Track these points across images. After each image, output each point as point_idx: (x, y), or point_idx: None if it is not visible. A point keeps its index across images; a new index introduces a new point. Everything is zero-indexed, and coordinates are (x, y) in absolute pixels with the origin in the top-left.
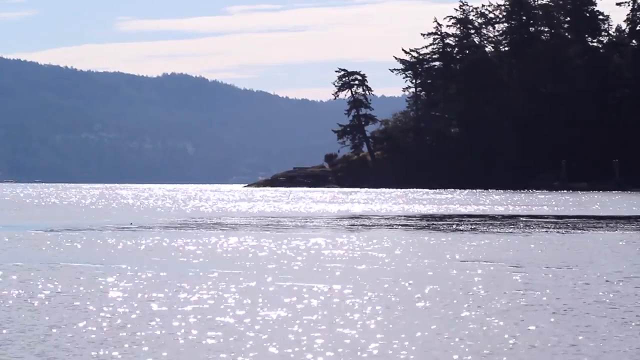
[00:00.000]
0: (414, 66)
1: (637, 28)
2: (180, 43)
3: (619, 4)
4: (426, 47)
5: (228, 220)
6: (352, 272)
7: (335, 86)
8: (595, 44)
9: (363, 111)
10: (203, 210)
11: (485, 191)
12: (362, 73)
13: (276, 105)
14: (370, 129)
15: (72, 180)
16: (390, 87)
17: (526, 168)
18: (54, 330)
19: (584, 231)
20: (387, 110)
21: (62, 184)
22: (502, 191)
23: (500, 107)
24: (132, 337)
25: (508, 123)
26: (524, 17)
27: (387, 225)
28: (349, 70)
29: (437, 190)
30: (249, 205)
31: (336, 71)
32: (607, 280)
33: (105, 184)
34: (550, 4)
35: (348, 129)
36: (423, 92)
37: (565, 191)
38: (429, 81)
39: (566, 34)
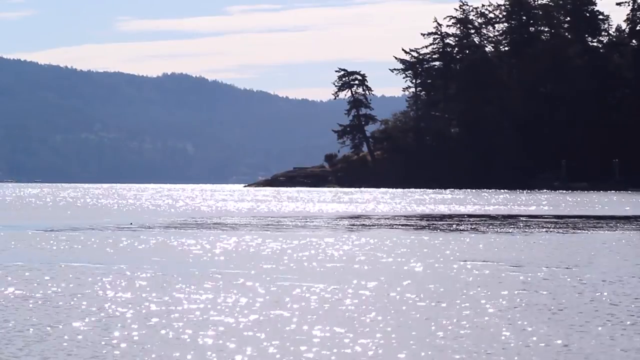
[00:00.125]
0: (414, 66)
1: (637, 28)
2: (180, 43)
3: (619, 4)
4: (426, 47)
5: (228, 220)
6: (352, 272)
7: (335, 86)
8: (595, 44)
9: (363, 111)
10: (203, 210)
11: (485, 191)
12: (362, 73)
13: (276, 105)
14: (370, 129)
15: (72, 180)
16: (390, 87)
17: (526, 168)
18: (53, 330)
19: (584, 231)
20: (387, 110)
21: (62, 184)
22: (502, 191)
23: (500, 107)
24: (132, 337)
25: (508, 123)
26: (524, 17)
27: (387, 225)
28: (349, 70)
29: (437, 190)
30: (249, 205)
31: (336, 71)
32: (606, 281)
33: (104, 184)
34: (550, 4)
35: (348, 129)
36: (423, 92)
37: (565, 191)
38: (429, 81)
39: (566, 34)
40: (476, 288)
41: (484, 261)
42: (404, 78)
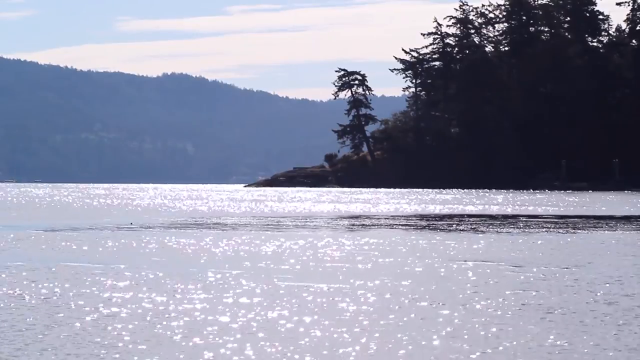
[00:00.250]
0: (414, 66)
1: (637, 28)
2: (180, 43)
3: (619, 4)
4: (426, 47)
5: (228, 220)
6: (352, 272)
7: (335, 86)
8: (595, 44)
9: (363, 111)
10: (203, 210)
11: (485, 191)
12: (362, 73)
13: (276, 105)
14: (370, 129)
15: (72, 180)
16: (390, 87)
17: (526, 168)
18: (53, 330)
19: (584, 231)
20: (387, 110)
21: (63, 184)
22: (502, 191)
23: (500, 107)
24: (131, 337)
25: (508, 123)
26: (524, 17)
27: (387, 225)
28: (349, 70)
29: (437, 190)
30: (249, 205)
31: (336, 71)
32: (606, 281)
33: (104, 184)
34: (550, 4)
35: (348, 129)
36: (423, 92)
37: (565, 191)
38: (429, 81)
39: (566, 34)
40: (476, 288)
41: (483, 261)
42: (404, 78)
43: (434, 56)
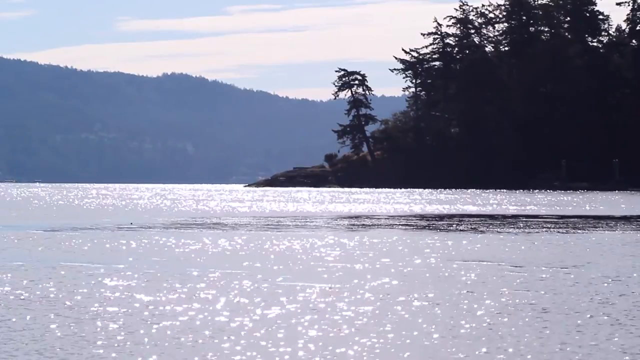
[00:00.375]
0: (414, 66)
1: (637, 28)
2: (180, 43)
3: (619, 4)
4: (426, 47)
5: (228, 220)
6: (351, 272)
7: (335, 86)
8: (595, 44)
9: (363, 111)
10: (203, 210)
11: (485, 191)
12: (362, 73)
13: (276, 105)
14: (370, 129)
15: (72, 180)
16: (390, 87)
17: (526, 168)
18: (52, 330)
19: (584, 231)
20: (387, 110)
21: (63, 184)
22: (502, 191)
23: (500, 107)
24: (131, 337)
25: (508, 123)
26: (524, 17)
27: (387, 225)
28: (349, 70)
29: (437, 190)
30: (249, 205)
31: (336, 71)
32: (605, 281)
33: (104, 184)
34: (550, 4)
35: (348, 129)
36: (423, 92)
37: (565, 191)
38: (429, 81)
39: (566, 34)
40: (475, 288)
41: (483, 261)
42: (404, 78)
43: (434, 56)
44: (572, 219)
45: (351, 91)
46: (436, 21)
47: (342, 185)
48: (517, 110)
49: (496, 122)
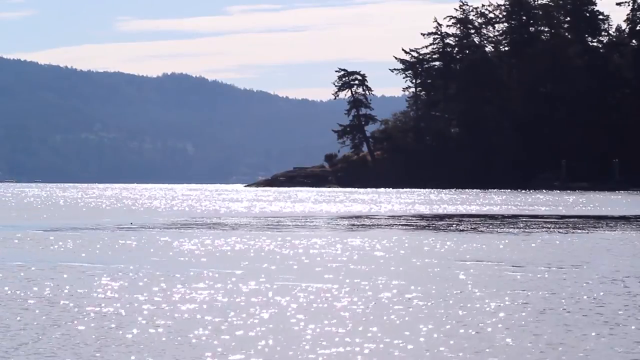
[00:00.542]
0: (414, 66)
1: (637, 28)
2: (180, 43)
3: (619, 4)
4: (426, 47)
5: (228, 220)
6: (351, 272)
7: (335, 86)
8: (595, 44)
9: (363, 111)
10: (203, 210)
11: (485, 191)
12: (362, 73)
13: (276, 105)
14: (370, 128)
15: (72, 180)
16: (390, 87)
17: (526, 168)
18: (52, 330)
19: (584, 231)
20: (387, 110)
21: (64, 184)
22: (502, 191)
23: (500, 107)
24: (130, 336)
25: (508, 123)
26: (524, 17)
27: (387, 225)
28: (349, 70)
29: (437, 190)
30: (249, 205)
31: (336, 71)
32: (604, 281)
33: (104, 184)
34: (550, 4)
35: (348, 129)
36: (423, 92)
37: (565, 191)
38: (429, 81)
39: (566, 34)
40: (475, 288)
41: (483, 261)
42: (404, 78)
43: (434, 56)
44: (572, 219)
45: (351, 91)
46: (436, 21)
47: (342, 185)
48: (517, 110)
49: (496, 122)
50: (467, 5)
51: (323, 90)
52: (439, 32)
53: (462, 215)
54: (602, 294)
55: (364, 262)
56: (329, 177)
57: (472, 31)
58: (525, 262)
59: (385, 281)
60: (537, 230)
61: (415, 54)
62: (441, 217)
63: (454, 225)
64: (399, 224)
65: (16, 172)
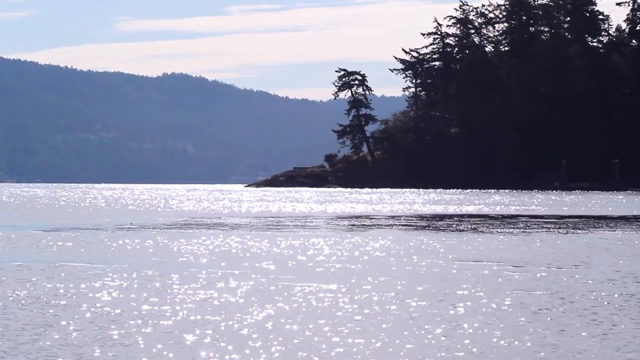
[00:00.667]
0: (414, 66)
1: (637, 28)
2: (180, 43)
3: (619, 4)
4: (426, 47)
5: (228, 221)
6: (351, 272)
7: (335, 86)
8: (595, 44)
9: (363, 111)
10: (203, 210)
11: (485, 191)
12: (362, 73)
13: (276, 105)
14: (370, 129)
15: (72, 180)
16: (390, 87)
17: (526, 168)
18: (51, 330)
19: (584, 231)
20: (387, 110)
21: (64, 184)
22: (502, 191)
23: (500, 107)
24: (130, 336)
25: (508, 123)
26: (524, 17)
27: (387, 225)
28: (349, 70)
29: (437, 190)
30: (249, 205)
31: (336, 71)
32: (604, 281)
33: (104, 184)
34: (550, 4)
35: (348, 129)
36: (423, 92)
37: (565, 191)
38: (429, 81)
39: (566, 34)
40: (475, 288)
41: (483, 261)
42: (404, 78)
43: (434, 56)
44: (572, 219)
45: (351, 91)
46: (436, 21)
47: (342, 185)
48: (517, 110)
49: (496, 122)
50: (467, 5)
51: (323, 90)
52: (439, 32)
53: (462, 215)
54: (604, 294)
55: (364, 262)
56: (329, 177)
57: (472, 31)
58: (525, 262)
59: (385, 281)
60: (537, 230)
61: (415, 54)
62: (441, 217)
63: (454, 225)
64: (399, 224)
65: (16, 172)
